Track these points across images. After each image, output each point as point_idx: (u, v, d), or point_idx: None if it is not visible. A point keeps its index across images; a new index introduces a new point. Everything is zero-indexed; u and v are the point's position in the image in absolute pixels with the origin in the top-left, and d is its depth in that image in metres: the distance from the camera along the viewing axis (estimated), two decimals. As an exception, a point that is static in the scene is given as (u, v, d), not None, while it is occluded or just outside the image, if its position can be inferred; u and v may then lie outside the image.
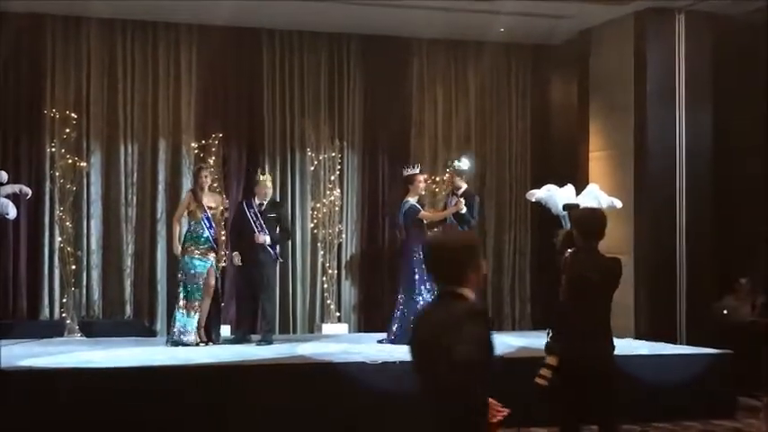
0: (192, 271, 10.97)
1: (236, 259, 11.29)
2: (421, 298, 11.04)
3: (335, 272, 13.24)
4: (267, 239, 11.19)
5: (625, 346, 10.33)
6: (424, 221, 11.46)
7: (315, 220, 13.18)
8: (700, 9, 12.04)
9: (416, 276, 11.12)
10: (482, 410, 3.91)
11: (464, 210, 11.53)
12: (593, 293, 6.67)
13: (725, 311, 12.05)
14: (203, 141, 12.74)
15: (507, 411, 4.10)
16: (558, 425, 7.03)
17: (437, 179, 13.32)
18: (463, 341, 3.79)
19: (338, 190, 13.29)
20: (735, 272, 12.31)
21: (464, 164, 11.92)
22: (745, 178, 12.40)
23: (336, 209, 13.26)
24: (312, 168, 13.21)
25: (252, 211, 11.30)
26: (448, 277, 4.03)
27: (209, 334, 11.05)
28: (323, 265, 13.20)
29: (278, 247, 11.44)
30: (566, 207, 10.98)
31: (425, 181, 12.15)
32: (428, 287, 10.96)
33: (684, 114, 11.97)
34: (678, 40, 12.07)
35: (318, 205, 13.19)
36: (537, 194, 11.74)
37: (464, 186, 11.86)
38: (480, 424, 3.90)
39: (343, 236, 13.33)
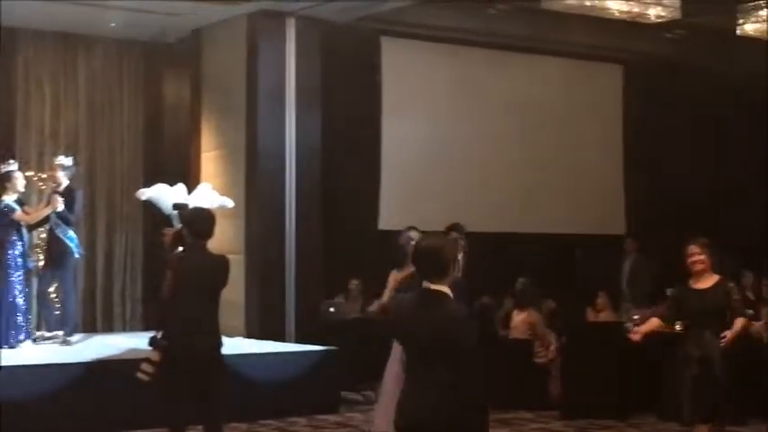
0: None
1: None
2: (12, 297, 10.77)
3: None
4: None
5: (235, 345, 10.41)
6: (21, 222, 11.01)
7: None
8: (310, 14, 12.32)
9: (11, 278, 10.76)
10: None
11: (61, 208, 11.18)
12: (201, 291, 6.94)
13: (331, 309, 12.42)
14: None
15: None
16: (163, 425, 7.00)
17: (43, 176, 12.80)
18: (470, 335, 4.50)
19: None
20: (344, 270, 12.72)
21: (66, 160, 11.59)
22: (352, 180, 12.88)
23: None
24: None
25: None
26: (434, 275, 4.57)
27: None
28: None
29: None
30: (176, 206, 10.92)
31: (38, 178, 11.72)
32: (21, 288, 10.84)
33: (295, 115, 12.21)
34: (289, 44, 12.31)
35: None
36: (147, 193, 11.57)
37: (66, 183, 11.52)
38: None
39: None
